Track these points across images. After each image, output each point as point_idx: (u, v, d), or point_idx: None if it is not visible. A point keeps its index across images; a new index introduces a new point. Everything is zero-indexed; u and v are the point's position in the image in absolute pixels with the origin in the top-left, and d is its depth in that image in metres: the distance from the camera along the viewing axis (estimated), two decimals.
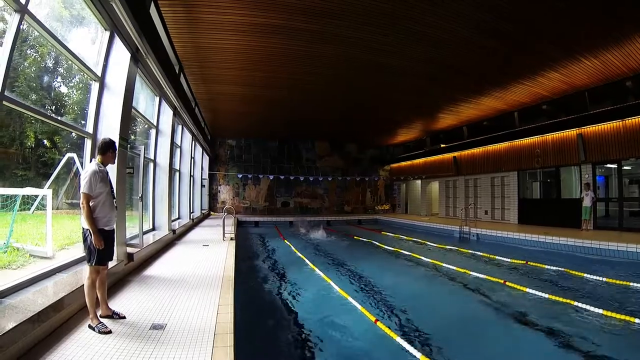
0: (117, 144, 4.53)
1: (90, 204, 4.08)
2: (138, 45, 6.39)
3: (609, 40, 9.93)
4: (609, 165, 14.40)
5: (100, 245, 4.06)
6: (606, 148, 13.66)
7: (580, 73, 12.25)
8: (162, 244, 9.82)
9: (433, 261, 10.53)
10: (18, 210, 6.81)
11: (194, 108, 14.59)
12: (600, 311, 6.03)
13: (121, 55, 6.40)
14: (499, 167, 18.94)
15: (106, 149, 4.36)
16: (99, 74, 6.08)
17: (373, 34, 9.42)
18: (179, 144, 14.93)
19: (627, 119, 12.85)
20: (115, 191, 4.68)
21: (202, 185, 21.87)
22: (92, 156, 4.41)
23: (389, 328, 5.52)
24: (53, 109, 6.76)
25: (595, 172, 14.39)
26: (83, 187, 4.04)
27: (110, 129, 6.03)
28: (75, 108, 6.89)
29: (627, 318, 5.69)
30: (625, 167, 13.91)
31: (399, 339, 5.10)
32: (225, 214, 14.10)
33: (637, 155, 12.87)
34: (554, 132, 15.64)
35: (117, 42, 6.28)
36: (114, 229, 4.47)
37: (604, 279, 8.19)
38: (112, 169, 5.74)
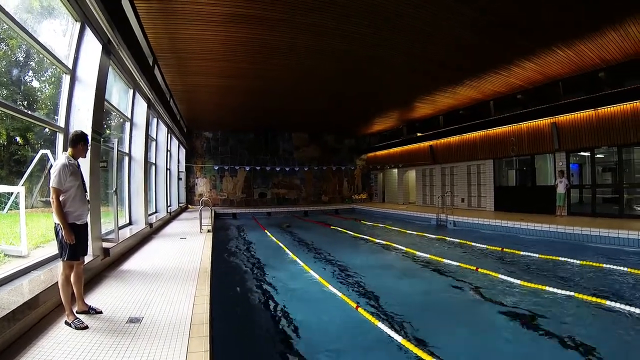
0: (89, 137, 4.44)
1: (61, 198, 4.00)
2: (110, 37, 6.26)
3: (582, 32, 10.15)
4: (582, 154, 14.78)
5: (71, 240, 4.00)
6: (579, 136, 14.00)
7: (555, 63, 12.52)
8: (139, 238, 9.73)
9: (409, 250, 10.68)
10: None
11: (169, 100, 14.40)
12: (572, 293, 6.23)
13: (92, 47, 6.27)
14: (475, 155, 19.25)
15: (76, 142, 4.25)
16: (70, 66, 5.95)
17: (352, 25, 9.42)
18: (155, 137, 14.72)
19: (599, 108, 13.17)
20: (88, 185, 4.62)
21: (179, 178, 21.65)
22: (65, 151, 4.31)
23: (370, 314, 5.65)
24: (25, 104, 6.59)
25: (569, 160, 14.76)
26: (52, 181, 3.96)
27: (82, 123, 5.91)
28: (48, 103, 6.73)
29: (598, 300, 5.89)
30: (598, 155, 14.30)
31: (380, 324, 5.24)
32: (202, 206, 14.01)
33: (610, 144, 13.19)
34: (529, 121, 15.93)
35: (88, 33, 6.14)
36: (86, 223, 4.40)
37: (578, 262, 8.49)
38: (85, 163, 5.67)
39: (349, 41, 10.45)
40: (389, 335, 4.91)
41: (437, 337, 4.85)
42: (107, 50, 6.61)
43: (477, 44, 10.73)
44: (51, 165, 4.27)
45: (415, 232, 14.31)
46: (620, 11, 9.03)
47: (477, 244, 11.20)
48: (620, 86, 12.60)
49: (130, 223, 10.63)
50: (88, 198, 4.48)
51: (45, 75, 6.97)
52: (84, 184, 4.34)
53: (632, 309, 5.43)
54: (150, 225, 11.28)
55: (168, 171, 16.67)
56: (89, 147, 4.52)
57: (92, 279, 5.87)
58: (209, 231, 11.87)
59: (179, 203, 20.84)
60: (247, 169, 25.60)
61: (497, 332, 5.19)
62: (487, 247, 10.81)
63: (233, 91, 15.65)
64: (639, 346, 4.51)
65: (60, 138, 5.82)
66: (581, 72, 13.36)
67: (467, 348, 4.63)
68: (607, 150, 13.82)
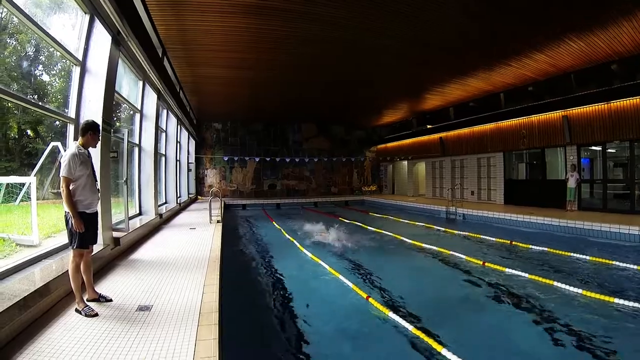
0: (99, 127, 4.47)
1: (71, 187, 4.04)
2: (119, 29, 6.29)
3: (593, 22, 9.96)
4: (594, 148, 14.57)
5: (80, 229, 4.04)
6: (591, 130, 13.79)
7: (566, 55, 12.32)
8: (149, 228, 9.83)
9: (417, 243, 10.67)
10: (3, 203, 6.77)
11: (179, 92, 14.45)
12: (580, 291, 6.18)
13: (102, 38, 6.31)
14: (485, 148, 19.09)
15: (86, 131, 4.27)
16: (80, 58, 6.00)
17: (361, 14, 9.33)
18: (164, 128, 14.80)
19: (612, 101, 12.94)
20: (99, 175, 4.67)
21: (189, 170, 21.78)
22: (75, 141, 4.36)
23: (381, 304, 5.72)
24: (35, 97, 6.64)
25: (580, 153, 14.57)
26: (62, 171, 4.01)
27: (93, 114, 5.96)
28: (59, 96, 6.79)
29: (606, 298, 5.84)
30: (610, 150, 14.12)
31: (391, 314, 5.30)
32: (212, 197, 14.10)
33: (622, 138, 13.02)
34: (540, 114, 15.74)
35: (98, 25, 6.18)
36: (96, 212, 4.45)
37: (587, 258, 8.41)
38: (95, 154, 5.73)
39: (358, 32, 10.39)
40: (399, 323, 5.00)
41: (445, 328, 4.88)
42: (117, 41, 6.65)
43: (487, 34, 10.63)
44: (62, 156, 4.32)
45: (424, 224, 14.33)
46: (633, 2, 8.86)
47: (486, 237, 11.18)
48: (633, 79, 12.38)
49: (140, 213, 10.74)
50: (98, 187, 4.53)
51: (55, 69, 7.02)
52: (94, 173, 4.38)
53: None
54: (160, 215, 11.38)
55: (178, 162, 16.79)
56: (100, 137, 4.54)
57: (103, 268, 5.95)
58: (218, 222, 11.94)
59: (188, 194, 20.97)
60: (257, 160, 25.69)
61: (504, 324, 5.22)
62: (497, 240, 10.78)
63: (242, 82, 15.65)
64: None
65: (71, 129, 5.89)
66: (593, 64, 13.14)
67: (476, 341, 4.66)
68: (619, 145, 13.63)
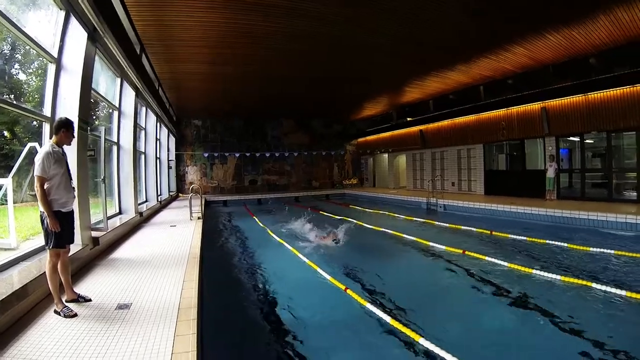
0: (74, 125, 4.41)
1: (45, 186, 3.99)
2: (95, 25, 6.19)
3: (572, 17, 10.17)
4: (572, 139, 14.93)
5: (56, 228, 4.00)
6: (569, 121, 14.12)
7: (545, 48, 12.56)
8: (129, 227, 9.74)
9: (398, 234, 10.87)
10: None
11: (158, 89, 14.30)
12: (558, 277, 6.38)
13: (78, 35, 6.21)
14: (465, 139, 19.37)
15: (58, 129, 4.22)
16: (55, 55, 5.91)
17: (340, 7, 9.32)
18: (143, 126, 14.64)
19: (589, 93, 13.26)
20: (76, 173, 4.61)
21: (169, 167, 21.58)
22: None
23: (359, 296, 5.81)
24: (12, 97, 6.50)
25: (558, 144, 14.90)
26: (36, 170, 3.95)
27: (69, 112, 5.87)
28: (36, 96, 6.66)
29: (584, 282, 6.03)
30: (588, 141, 14.49)
31: (368, 305, 5.39)
32: (192, 193, 14.04)
33: (599, 129, 13.34)
34: (519, 106, 16.03)
35: (73, 21, 6.09)
36: (72, 211, 4.40)
37: (566, 245, 8.66)
38: (72, 153, 5.66)
39: (338, 26, 10.40)
40: (375, 314, 5.10)
41: (422, 318, 4.97)
42: (93, 38, 6.56)
43: (467, 27, 10.75)
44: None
45: (405, 216, 14.53)
46: None
47: (466, 227, 11.41)
48: (610, 72, 12.69)
49: (120, 212, 10.62)
50: (74, 185, 4.48)
51: (32, 67, 6.89)
52: (69, 172, 4.33)
53: (614, 290, 5.59)
54: (141, 214, 11.29)
55: (158, 160, 16.62)
56: (74, 135, 4.48)
57: (82, 268, 5.89)
58: (199, 218, 11.93)
59: (169, 192, 20.78)
60: (237, 155, 25.68)
61: (481, 311, 5.37)
62: (476, 229, 11.00)
63: (221, 78, 15.57)
64: (617, 322, 4.66)
65: (47, 128, 5.79)
66: (571, 57, 13.43)
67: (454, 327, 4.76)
68: (597, 135, 13.96)
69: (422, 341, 4.23)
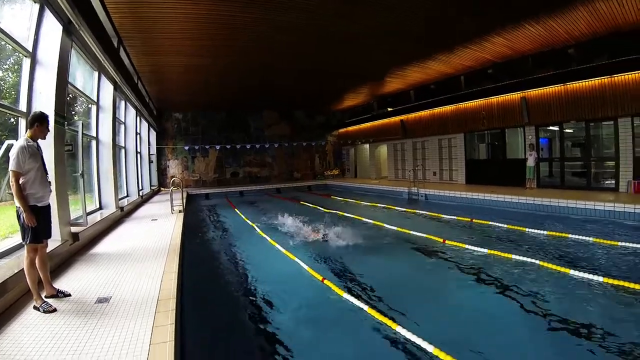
0: (48, 119, 4.36)
1: (20, 181, 3.97)
2: (70, 18, 6.11)
3: (552, 7, 10.32)
4: (552, 128, 15.18)
5: (32, 223, 3.98)
6: (549, 111, 14.37)
7: (525, 39, 12.75)
8: (109, 222, 9.69)
9: (378, 223, 11.03)
10: None
11: (137, 82, 14.14)
12: (537, 262, 6.55)
13: (53, 28, 6.13)
14: (446, 129, 19.57)
15: (32, 123, 4.19)
16: (30, 49, 5.83)
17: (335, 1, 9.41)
18: (123, 120, 14.47)
19: (568, 83, 13.51)
20: (53, 169, 4.58)
21: (150, 161, 21.37)
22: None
23: (337, 286, 5.88)
24: None
25: (538, 133, 15.17)
26: (11, 164, 3.93)
27: (45, 106, 5.81)
28: (13, 92, 6.55)
29: (561, 269, 6.18)
30: (568, 130, 14.78)
31: (345, 295, 5.46)
32: (173, 187, 14.00)
33: (578, 118, 13.61)
34: (499, 95, 16.21)
35: (48, 14, 6.01)
36: (48, 205, 4.39)
37: (545, 232, 8.88)
38: (49, 148, 5.62)
39: (318, 17, 10.40)
40: (354, 305, 5.16)
41: (403, 306, 5.06)
42: (69, 31, 6.48)
43: (446, 17, 10.83)
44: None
45: (386, 206, 14.70)
46: None
47: (447, 216, 11.62)
48: (589, 62, 12.93)
49: (100, 207, 10.54)
50: (49, 180, 4.45)
51: (8, 62, 6.76)
52: (44, 166, 4.30)
53: (591, 276, 5.75)
54: (121, 208, 11.21)
55: (138, 154, 16.50)
56: (49, 129, 4.44)
57: (62, 264, 5.88)
58: (180, 211, 11.94)
59: (151, 186, 20.63)
60: (218, 148, 25.66)
61: (459, 297, 5.50)
62: (457, 218, 11.20)
63: (201, 70, 15.44)
64: (585, 304, 4.82)
65: (23, 124, 5.73)
66: (551, 47, 13.67)
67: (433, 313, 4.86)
68: (576, 125, 14.24)
69: (399, 329, 4.30)
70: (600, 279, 5.59)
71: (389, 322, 4.49)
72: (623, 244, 7.48)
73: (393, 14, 10.43)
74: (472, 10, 10.42)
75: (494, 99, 16.57)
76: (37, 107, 5.77)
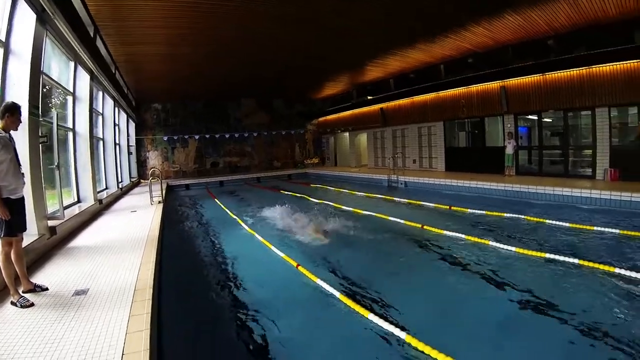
0: (20, 109, 4.27)
1: None
2: (44, 5, 5.97)
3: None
4: (531, 117, 15.43)
5: (5, 216, 3.90)
6: (527, 100, 14.61)
7: (505, 29, 12.88)
8: (88, 215, 9.57)
9: (358, 211, 11.18)
10: None
11: (114, 72, 13.90)
12: (514, 248, 6.70)
13: (26, 16, 5.98)
14: (426, 117, 19.71)
15: (3, 114, 4.09)
16: (3, 38, 5.69)
17: None
18: (100, 111, 14.23)
19: (547, 73, 13.74)
20: (28, 161, 4.50)
21: (129, 153, 21.14)
22: None
23: (311, 272, 5.98)
24: None
25: (517, 122, 15.41)
26: None
27: (19, 97, 5.69)
28: None
29: (538, 254, 6.36)
30: (547, 120, 15.04)
31: (319, 281, 5.57)
32: (152, 178, 13.89)
33: (556, 108, 13.88)
34: (479, 84, 16.43)
35: (21, 2, 5.86)
36: (22, 197, 4.31)
37: (523, 217, 9.11)
38: (23, 139, 5.52)
39: (299, 4, 10.32)
40: (327, 290, 5.27)
41: (376, 291, 5.19)
42: (42, 19, 6.33)
43: (427, 5, 10.85)
44: None
45: (366, 194, 14.90)
46: None
47: (426, 203, 11.80)
48: (568, 53, 13.17)
49: (79, 200, 10.37)
50: (22, 171, 4.37)
51: None
52: (17, 157, 4.22)
53: (567, 259, 5.96)
54: (100, 201, 11.06)
55: (117, 146, 16.24)
56: (21, 120, 4.36)
57: (39, 259, 5.81)
58: (159, 202, 11.89)
59: (130, 178, 20.36)
60: (197, 138, 25.56)
61: (436, 281, 5.66)
62: (436, 205, 11.39)
63: (180, 60, 15.20)
64: (563, 288, 4.99)
65: None
66: (530, 38, 13.84)
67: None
68: (554, 114, 14.49)
69: (372, 316, 4.38)
70: (576, 260, 5.83)
71: (361, 310, 4.58)
72: (598, 228, 7.73)
73: (379, 3, 10.41)
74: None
75: (474, 88, 16.77)
76: (10, 98, 5.62)
